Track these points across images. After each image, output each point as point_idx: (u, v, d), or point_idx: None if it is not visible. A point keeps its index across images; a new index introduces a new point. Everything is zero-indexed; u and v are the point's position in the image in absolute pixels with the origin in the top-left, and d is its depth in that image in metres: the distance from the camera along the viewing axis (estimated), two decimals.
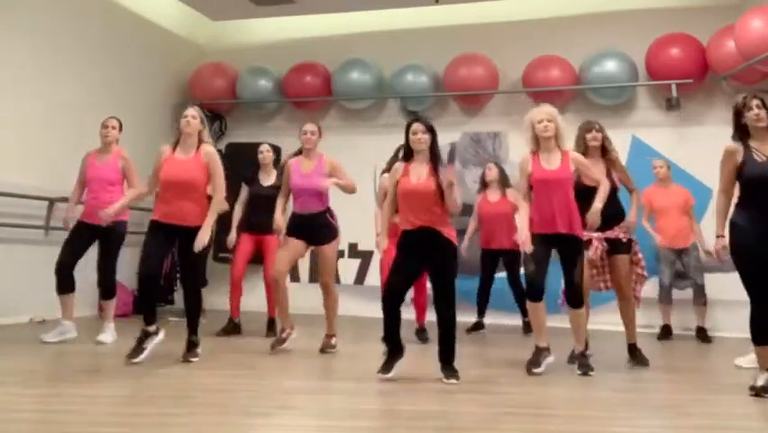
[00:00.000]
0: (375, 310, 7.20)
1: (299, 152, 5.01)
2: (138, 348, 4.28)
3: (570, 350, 4.59)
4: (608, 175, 4.62)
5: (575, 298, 4.30)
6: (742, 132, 3.78)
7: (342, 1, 8.13)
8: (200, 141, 4.44)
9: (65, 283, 5.05)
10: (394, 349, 4.04)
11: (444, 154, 7.89)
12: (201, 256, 4.45)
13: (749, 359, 4.39)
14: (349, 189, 4.90)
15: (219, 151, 8.54)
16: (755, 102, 3.73)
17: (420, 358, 4.63)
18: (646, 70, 7.36)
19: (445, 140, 7.96)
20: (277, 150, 6.66)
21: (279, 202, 5.00)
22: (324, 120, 8.56)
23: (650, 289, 6.36)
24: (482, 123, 7.96)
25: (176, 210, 4.30)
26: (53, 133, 6.56)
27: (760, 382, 3.69)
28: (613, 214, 4.63)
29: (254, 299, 6.37)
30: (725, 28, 6.71)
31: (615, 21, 7.64)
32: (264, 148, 5.95)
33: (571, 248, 4.26)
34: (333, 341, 4.99)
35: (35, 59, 6.48)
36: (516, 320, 6.57)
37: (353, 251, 7.85)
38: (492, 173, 6.52)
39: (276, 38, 8.81)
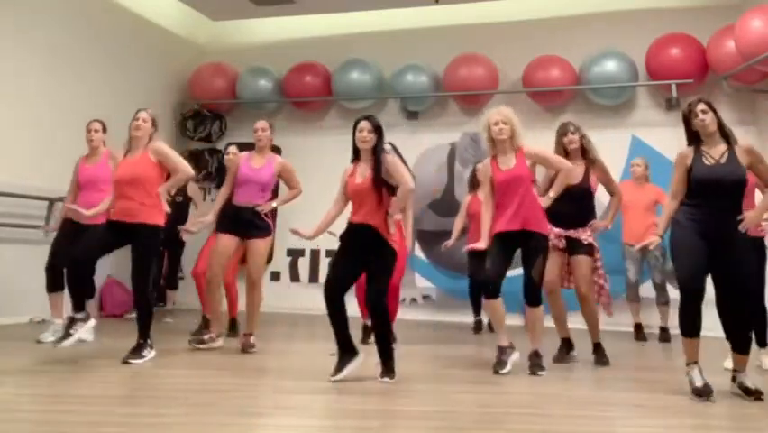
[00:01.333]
0: None
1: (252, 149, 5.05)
2: (66, 334, 4.25)
3: (555, 349, 4.65)
4: (587, 177, 4.65)
5: (532, 295, 4.28)
6: (694, 137, 3.80)
7: (342, 1, 8.14)
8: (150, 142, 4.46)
9: (58, 281, 5.04)
10: (343, 349, 3.96)
11: (445, 154, 8.05)
12: (150, 258, 4.44)
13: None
14: (293, 198, 5.01)
15: (218, 151, 8.60)
16: (700, 107, 3.74)
17: (420, 358, 4.63)
18: (646, 70, 7.36)
19: (445, 140, 8.01)
20: (277, 151, 6.65)
21: (223, 195, 4.95)
22: (324, 120, 8.59)
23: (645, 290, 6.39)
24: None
25: (125, 208, 4.33)
26: (53, 134, 6.56)
27: (699, 384, 3.65)
28: (580, 214, 4.67)
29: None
30: (725, 28, 6.71)
31: (615, 21, 7.64)
32: (231, 150, 5.80)
33: (529, 245, 4.25)
34: (253, 339, 4.86)
35: (35, 59, 6.49)
36: (517, 320, 6.57)
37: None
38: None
39: (276, 38, 8.82)
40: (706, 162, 3.69)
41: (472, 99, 7.91)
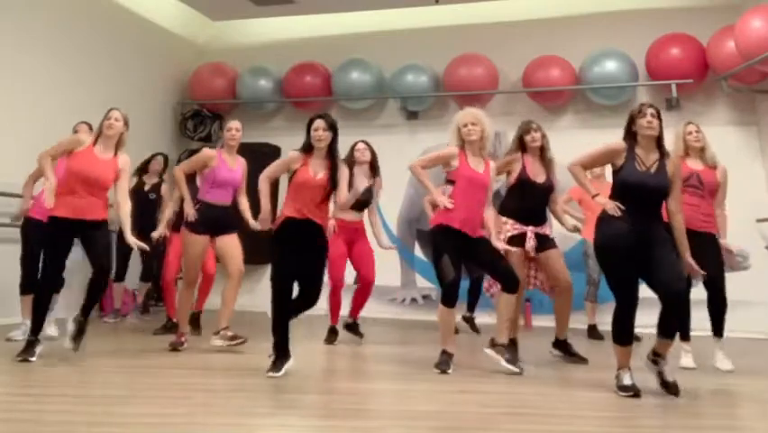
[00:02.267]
0: (374, 310, 7.21)
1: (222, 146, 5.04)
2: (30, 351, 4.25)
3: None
4: (549, 174, 4.68)
5: (513, 278, 4.27)
6: (630, 138, 3.80)
7: (342, 1, 8.14)
8: (119, 144, 4.45)
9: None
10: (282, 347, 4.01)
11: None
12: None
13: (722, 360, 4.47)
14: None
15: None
16: (651, 111, 3.74)
17: (420, 358, 4.63)
18: (646, 70, 7.36)
19: (445, 140, 7.91)
20: (277, 151, 6.67)
21: (186, 189, 4.92)
22: None
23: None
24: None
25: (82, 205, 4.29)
26: (53, 134, 6.52)
27: (627, 381, 3.66)
28: (545, 213, 4.73)
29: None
30: (725, 28, 6.72)
31: (615, 21, 7.64)
32: (206, 150, 5.87)
33: (483, 249, 4.29)
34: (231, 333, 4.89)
35: (35, 59, 6.49)
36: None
37: None
38: None
39: (276, 38, 8.81)
40: (638, 168, 3.70)
41: (472, 99, 7.88)
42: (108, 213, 4.47)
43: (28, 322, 5.02)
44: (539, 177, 4.65)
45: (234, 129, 5.00)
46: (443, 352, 4.30)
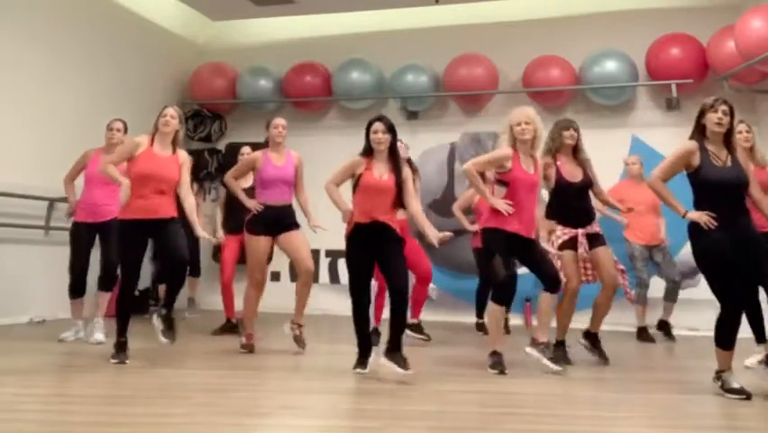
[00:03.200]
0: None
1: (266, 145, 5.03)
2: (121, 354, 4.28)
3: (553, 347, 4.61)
4: (586, 173, 4.69)
5: (555, 277, 4.30)
6: (699, 133, 3.78)
7: (342, 1, 8.13)
8: (176, 141, 4.46)
9: (79, 287, 5.10)
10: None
11: (445, 154, 8.05)
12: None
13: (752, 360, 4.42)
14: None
15: (218, 151, 8.62)
16: (723, 108, 3.70)
17: (420, 358, 4.63)
18: (646, 70, 7.36)
19: (445, 140, 8.01)
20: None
21: (240, 191, 4.96)
22: (324, 120, 8.59)
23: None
24: (482, 123, 7.96)
25: (150, 205, 4.28)
26: (53, 134, 6.56)
27: (735, 384, 3.65)
28: (590, 211, 4.73)
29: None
30: (725, 28, 6.71)
31: (615, 21, 7.64)
32: (246, 150, 5.93)
33: (535, 252, 4.31)
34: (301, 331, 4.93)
35: (35, 60, 6.48)
36: (517, 319, 6.59)
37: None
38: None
39: (276, 38, 8.81)
40: (715, 164, 3.68)
41: (472, 99, 7.91)
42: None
43: (79, 323, 5.07)
44: (575, 177, 4.64)
45: (281, 126, 4.96)
46: (494, 353, 4.29)
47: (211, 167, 8.46)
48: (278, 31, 8.80)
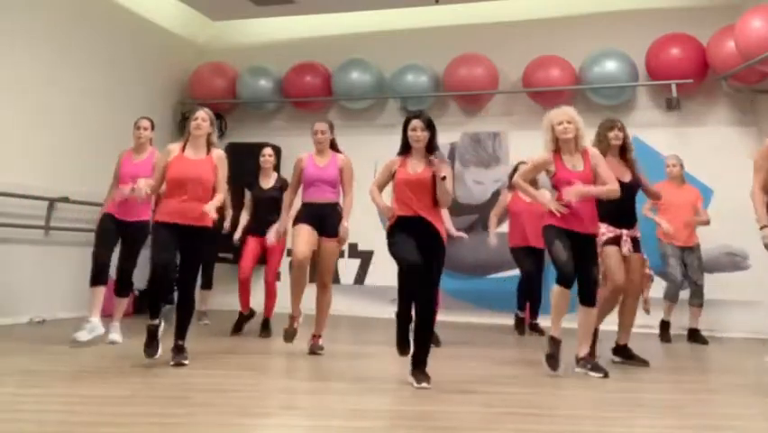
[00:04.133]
0: (375, 311, 7.21)
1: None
2: (153, 343, 4.26)
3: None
4: (634, 174, 4.65)
5: (593, 295, 4.27)
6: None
7: (342, 1, 8.13)
8: (210, 143, 4.47)
9: (101, 275, 5.01)
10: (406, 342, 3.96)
11: (445, 154, 8.03)
12: (210, 257, 4.43)
13: None
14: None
15: None
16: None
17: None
18: (646, 70, 7.36)
19: (445, 140, 8.00)
20: (277, 151, 6.66)
21: (288, 199, 4.97)
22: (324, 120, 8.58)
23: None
24: (482, 123, 7.97)
25: (186, 209, 4.27)
26: (54, 134, 6.56)
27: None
28: (634, 214, 4.69)
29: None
30: (725, 28, 6.72)
31: (615, 21, 7.64)
32: (267, 152, 6.01)
33: (588, 248, 4.28)
34: (321, 342, 4.91)
35: (35, 60, 6.48)
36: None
37: (354, 251, 7.85)
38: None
39: (276, 38, 8.81)
40: None
41: (472, 99, 7.91)
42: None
43: (94, 320, 5.02)
44: (624, 177, 4.58)
45: (320, 132, 4.97)
46: (551, 339, 4.26)
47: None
48: (278, 31, 8.81)
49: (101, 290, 5.00)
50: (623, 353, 4.74)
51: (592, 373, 4.20)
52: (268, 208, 5.70)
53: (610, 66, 7.29)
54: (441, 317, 7.39)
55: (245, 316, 5.92)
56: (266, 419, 3.14)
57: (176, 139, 8.51)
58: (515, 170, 6.45)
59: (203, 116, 4.41)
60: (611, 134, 4.65)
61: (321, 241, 4.79)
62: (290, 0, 8.09)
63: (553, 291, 4.26)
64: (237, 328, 5.84)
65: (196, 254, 4.35)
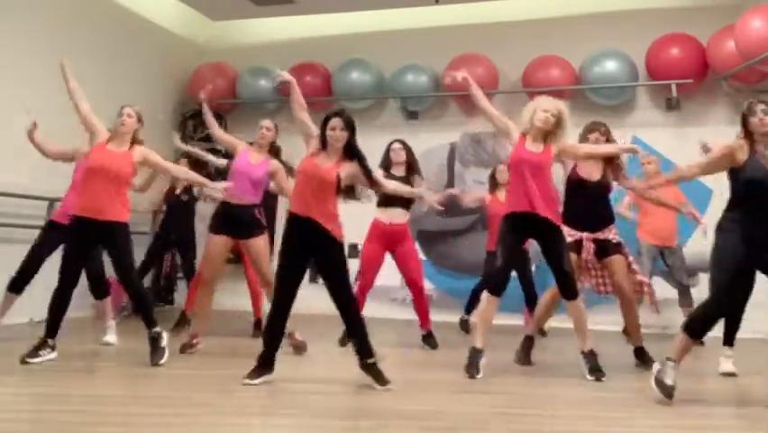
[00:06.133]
0: (375, 311, 7.20)
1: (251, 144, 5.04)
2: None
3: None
4: (605, 174, 4.55)
5: (571, 288, 4.15)
6: (748, 137, 3.67)
7: (342, 1, 8.13)
8: (134, 140, 4.47)
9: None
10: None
11: (445, 154, 8.05)
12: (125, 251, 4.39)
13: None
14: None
15: (219, 150, 8.63)
16: (761, 107, 3.61)
17: (419, 358, 4.63)
18: (646, 70, 7.36)
19: (445, 140, 8.02)
20: (277, 150, 6.64)
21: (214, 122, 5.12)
22: None
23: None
24: (482, 123, 7.91)
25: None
26: (54, 134, 6.53)
27: (670, 381, 3.53)
28: (603, 215, 4.58)
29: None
30: (725, 28, 6.71)
31: (615, 21, 7.64)
32: (266, 124, 5.89)
33: (547, 236, 4.17)
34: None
35: (35, 60, 6.48)
36: (518, 320, 6.58)
37: (353, 251, 7.84)
38: (506, 175, 6.42)
39: (276, 38, 8.81)
40: (765, 164, 3.56)
41: (472, 99, 7.90)
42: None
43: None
44: (592, 176, 4.51)
45: (266, 128, 4.96)
46: (473, 348, 4.23)
47: (211, 167, 8.44)
48: (278, 31, 8.81)
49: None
50: (639, 356, 4.62)
51: (589, 376, 4.14)
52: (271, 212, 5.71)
53: (610, 66, 7.29)
54: (440, 317, 7.42)
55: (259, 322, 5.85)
56: (266, 419, 3.14)
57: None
58: (493, 172, 6.48)
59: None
60: (591, 136, 4.59)
61: (244, 245, 4.80)
62: (290, 0, 8.10)
63: (481, 298, 4.25)
64: (256, 331, 5.72)
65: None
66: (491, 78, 7.74)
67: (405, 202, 5.24)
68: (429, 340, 5.45)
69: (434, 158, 7.95)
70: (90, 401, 3.27)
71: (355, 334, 3.87)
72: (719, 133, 7.14)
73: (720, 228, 3.70)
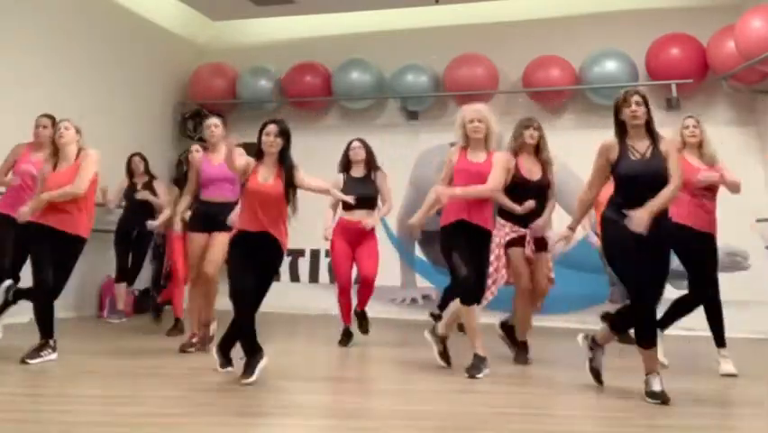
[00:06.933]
0: (375, 310, 7.19)
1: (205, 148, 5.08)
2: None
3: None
4: (545, 173, 4.68)
5: (477, 292, 4.23)
6: (620, 128, 3.72)
7: (342, 1, 8.14)
8: (79, 149, 4.41)
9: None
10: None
11: (444, 154, 8.01)
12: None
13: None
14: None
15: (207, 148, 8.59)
16: (635, 99, 3.64)
17: (420, 358, 4.63)
18: (646, 70, 7.36)
19: (445, 140, 7.98)
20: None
21: (186, 199, 4.95)
22: (324, 120, 8.59)
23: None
24: None
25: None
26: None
27: (656, 387, 3.53)
28: (541, 210, 4.68)
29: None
30: (725, 28, 6.72)
31: (615, 21, 7.64)
32: (195, 147, 5.86)
33: (481, 241, 4.27)
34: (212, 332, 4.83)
35: (35, 59, 6.48)
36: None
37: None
38: None
39: (276, 38, 8.81)
40: (632, 157, 3.62)
41: (472, 99, 7.87)
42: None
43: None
44: (534, 175, 4.64)
45: (213, 126, 4.95)
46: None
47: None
48: (278, 31, 8.81)
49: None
50: (507, 331, 4.85)
51: (465, 373, 4.12)
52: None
53: (610, 66, 7.30)
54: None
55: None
56: (266, 419, 3.14)
57: (175, 139, 8.59)
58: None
59: (65, 125, 4.35)
60: (526, 133, 4.67)
61: (211, 236, 4.77)
62: (290, 0, 8.10)
63: (461, 312, 4.25)
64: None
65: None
66: (491, 78, 7.75)
67: (368, 204, 5.29)
68: (363, 321, 5.46)
69: (434, 158, 7.94)
70: (90, 401, 3.27)
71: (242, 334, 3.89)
72: (719, 133, 7.16)
73: (604, 219, 3.72)
